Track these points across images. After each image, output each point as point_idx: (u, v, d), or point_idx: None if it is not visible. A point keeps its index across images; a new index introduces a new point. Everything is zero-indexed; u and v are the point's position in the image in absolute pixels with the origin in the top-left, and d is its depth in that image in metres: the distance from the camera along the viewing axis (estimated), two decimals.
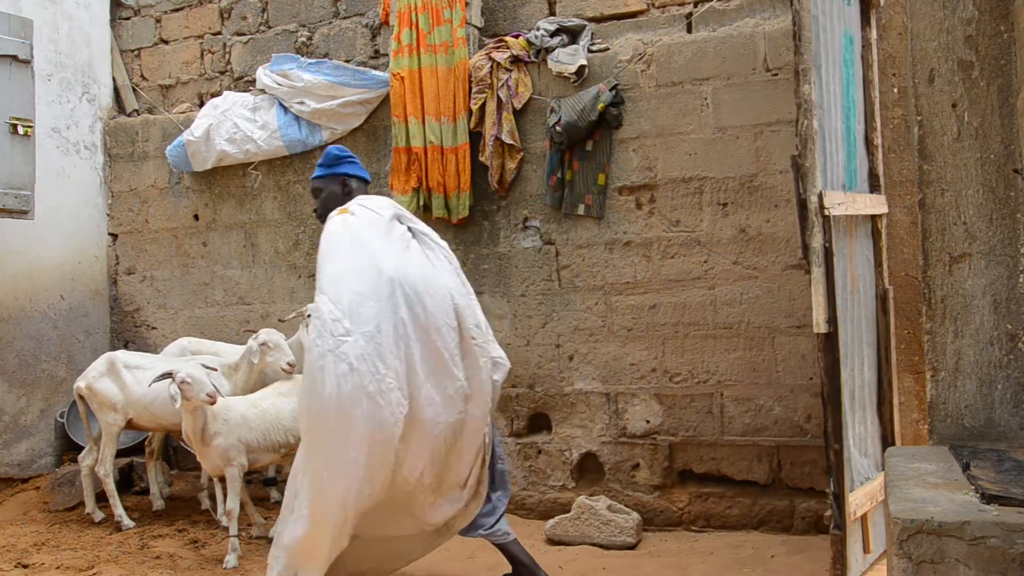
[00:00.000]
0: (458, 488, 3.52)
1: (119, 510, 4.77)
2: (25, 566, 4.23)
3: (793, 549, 4.09)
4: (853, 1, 3.75)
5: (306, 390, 3.24)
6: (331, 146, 3.88)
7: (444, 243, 3.70)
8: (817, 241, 3.15)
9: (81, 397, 4.85)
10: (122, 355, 4.93)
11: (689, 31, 4.74)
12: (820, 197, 3.17)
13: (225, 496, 4.24)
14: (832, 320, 3.16)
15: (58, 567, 4.20)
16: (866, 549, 3.55)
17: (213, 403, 4.02)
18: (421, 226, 3.69)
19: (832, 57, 3.49)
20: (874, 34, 3.92)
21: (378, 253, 3.34)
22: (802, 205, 3.20)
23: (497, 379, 3.60)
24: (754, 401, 4.48)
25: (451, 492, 3.52)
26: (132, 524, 4.76)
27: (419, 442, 3.30)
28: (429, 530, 3.58)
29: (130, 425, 4.85)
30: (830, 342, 3.18)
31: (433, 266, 3.51)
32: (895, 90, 4.32)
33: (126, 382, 4.77)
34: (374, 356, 3.16)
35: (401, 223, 3.58)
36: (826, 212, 3.20)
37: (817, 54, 3.32)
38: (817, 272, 3.13)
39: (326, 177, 3.72)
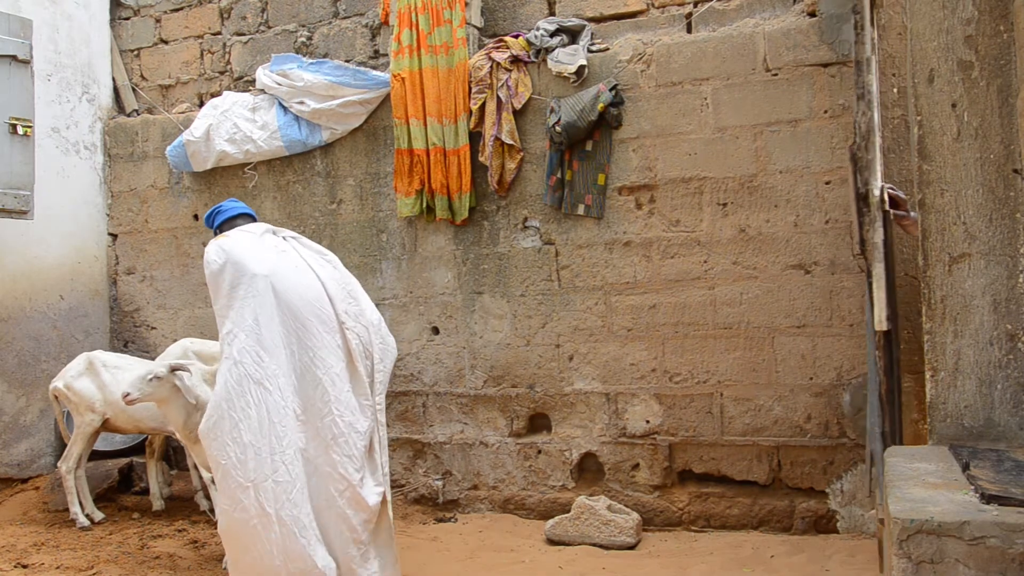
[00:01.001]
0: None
1: (75, 508, 4.78)
2: (25, 566, 4.23)
3: (793, 549, 4.09)
4: None
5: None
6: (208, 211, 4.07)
7: (319, 247, 3.89)
8: (879, 236, 3.09)
9: (56, 398, 4.85)
10: (100, 355, 4.93)
11: (689, 31, 4.74)
12: (883, 191, 3.10)
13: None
14: (892, 317, 3.10)
15: (58, 567, 4.20)
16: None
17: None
18: (294, 235, 3.91)
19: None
20: (875, 34, 3.92)
21: (249, 261, 3.55)
22: (861, 199, 3.15)
23: (380, 364, 3.71)
24: (754, 401, 4.48)
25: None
26: (88, 524, 4.77)
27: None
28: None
29: (107, 426, 4.84)
30: (888, 340, 3.11)
31: (307, 264, 3.69)
32: (895, 90, 4.32)
33: (105, 382, 4.77)
34: (256, 347, 3.41)
35: (275, 235, 3.80)
36: (886, 206, 3.14)
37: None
38: (878, 268, 3.07)
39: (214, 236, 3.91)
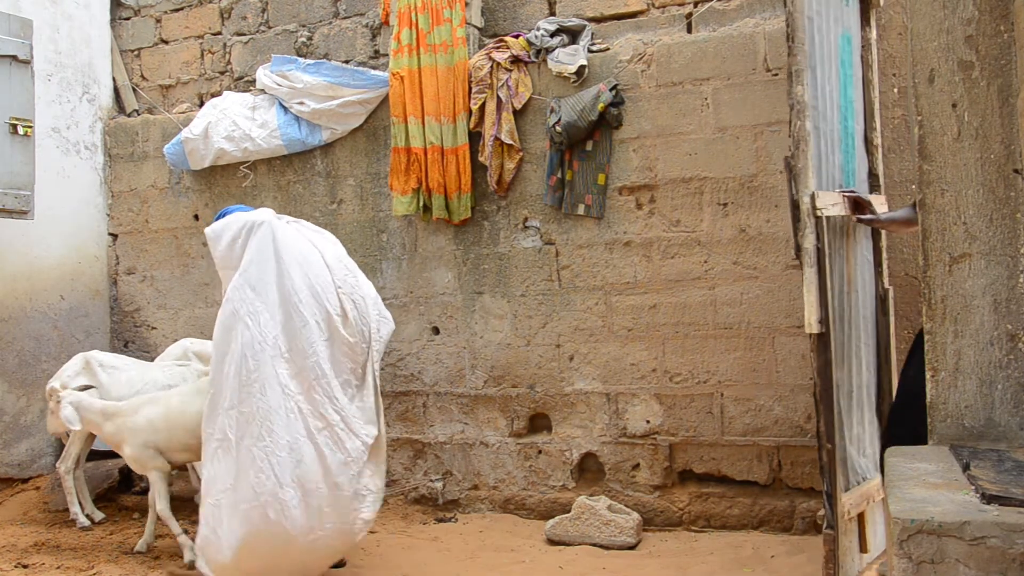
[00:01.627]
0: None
1: (75, 508, 4.78)
2: (25, 566, 4.23)
3: (793, 549, 4.09)
4: (852, 1, 3.75)
5: None
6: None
7: (319, 228, 4.20)
8: (809, 242, 3.17)
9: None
10: (97, 355, 4.93)
11: (689, 31, 4.74)
12: (812, 198, 3.18)
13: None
14: (824, 320, 3.18)
15: (58, 567, 4.20)
16: (863, 548, 3.55)
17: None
18: (295, 220, 4.15)
19: (828, 57, 3.49)
20: (874, 34, 3.92)
21: (250, 215, 3.89)
22: (795, 206, 3.22)
23: (377, 334, 3.98)
24: (754, 401, 4.48)
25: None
26: (88, 523, 4.77)
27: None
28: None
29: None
30: (822, 342, 3.20)
31: (308, 239, 3.96)
32: (895, 90, 4.32)
33: (102, 382, 4.76)
34: (245, 286, 3.70)
35: (279, 219, 4.02)
36: (819, 213, 3.21)
37: (812, 55, 3.33)
38: (809, 273, 3.15)
39: None
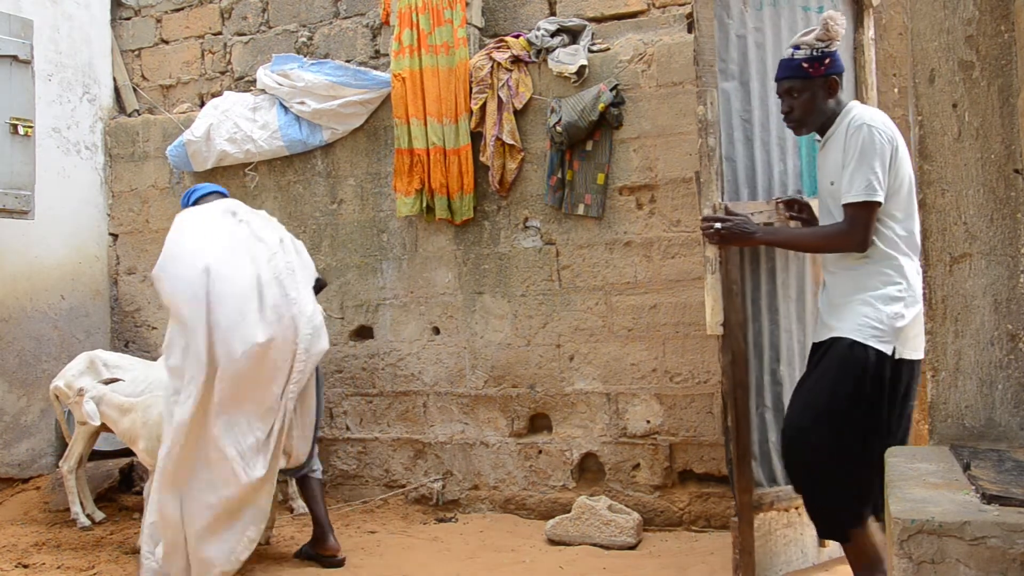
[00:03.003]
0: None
1: (76, 507, 4.79)
2: (26, 566, 4.23)
3: None
4: (821, 7, 3.78)
5: None
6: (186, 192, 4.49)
7: (278, 227, 4.29)
8: (711, 251, 3.37)
9: (57, 397, 4.85)
10: (101, 354, 4.94)
11: (690, 31, 4.73)
12: (715, 208, 3.38)
13: None
14: (727, 323, 3.40)
15: (59, 567, 4.20)
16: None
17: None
18: (255, 214, 4.28)
19: (771, 68, 3.57)
20: (868, 36, 3.93)
21: (188, 260, 3.94)
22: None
23: (309, 348, 4.01)
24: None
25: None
26: (88, 523, 4.78)
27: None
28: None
29: (107, 426, 4.83)
30: (725, 343, 3.44)
31: (247, 250, 4.01)
32: (895, 90, 4.32)
33: None
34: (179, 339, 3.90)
35: (234, 216, 4.13)
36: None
37: (744, 70, 3.59)
38: (711, 279, 3.37)
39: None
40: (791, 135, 3.59)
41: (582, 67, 4.71)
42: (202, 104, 5.93)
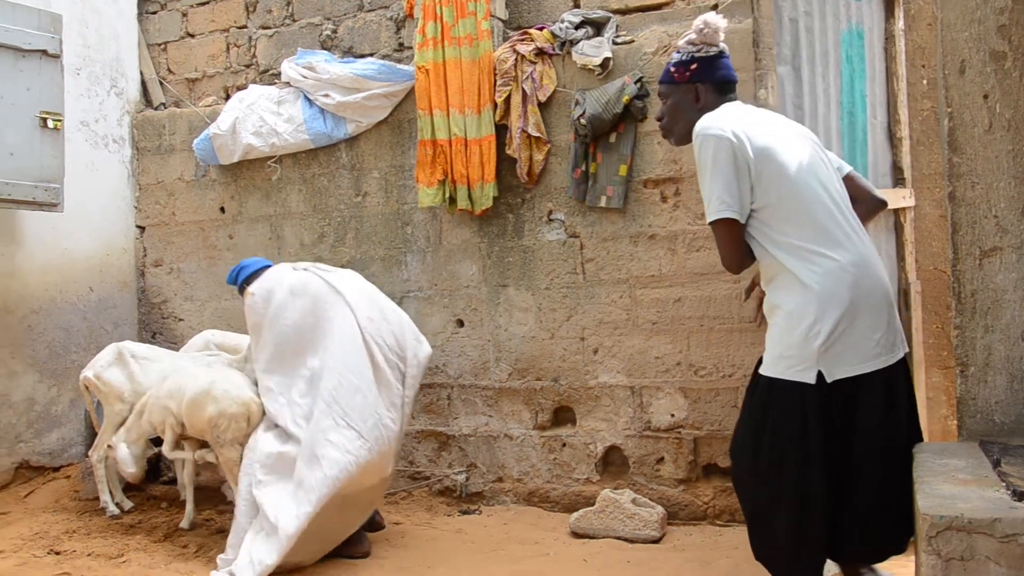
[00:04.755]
0: None
1: (105, 496, 4.85)
2: (58, 553, 4.30)
3: None
4: None
5: None
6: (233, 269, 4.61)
7: (345, 272, 4.54)
8: None
9: (87, 388, 4.92)
10: (129, 345, 4.99)
11: None
12: None
13: None
14: None
15: (89, 554, 4.27)
16: None
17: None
18: (311, 265, 4.51)
19: (824, 55, 3.50)
20: (899, 25, 3.88)
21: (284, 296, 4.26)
22: None
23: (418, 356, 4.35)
24: None
25: None
26: (117, 512, 4.84)
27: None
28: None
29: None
30: None
31: (333, 287, 4.29)
32: (924, 82, 4.27)
33: (134, 372, 4.83)
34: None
35: (295, 271, 4.39)
36: None
37: (796, 55, 3.40)
38: None
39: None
40: (835, 123, 3.52)
41: (606, 59, 4.69)
42: (227, 97, 5.97)
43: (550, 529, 4.56)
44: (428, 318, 5.24)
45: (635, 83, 4.61)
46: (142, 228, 6.22)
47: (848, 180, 2.95)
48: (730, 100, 2.97)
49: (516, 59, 4.87)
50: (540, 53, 4.87)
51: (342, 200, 5.51)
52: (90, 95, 5.95)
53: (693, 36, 3.00)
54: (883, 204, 3.09)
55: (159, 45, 6.37)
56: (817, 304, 2.63)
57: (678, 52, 3.03)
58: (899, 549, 2.82)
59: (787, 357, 2.69)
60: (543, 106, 4.87)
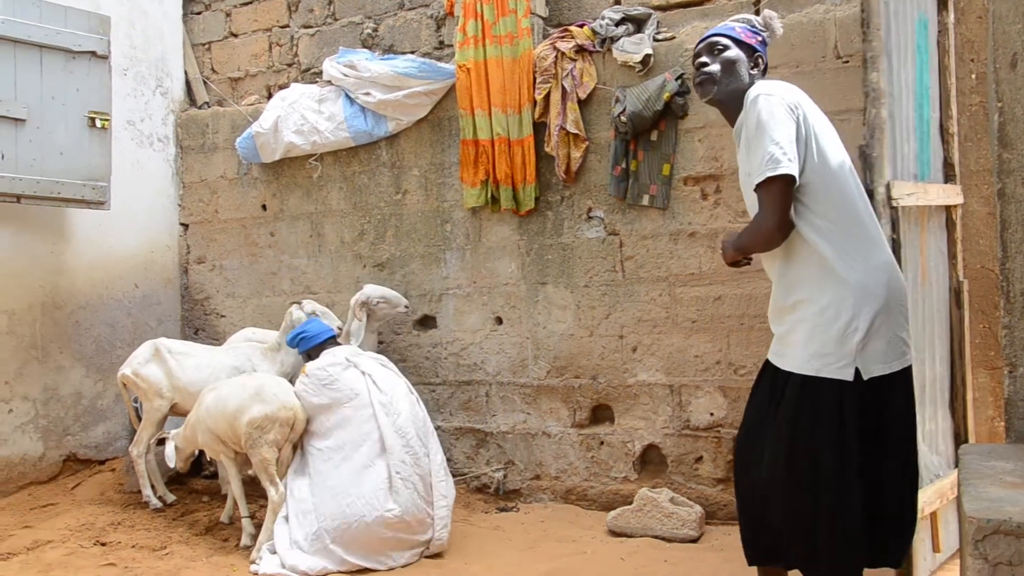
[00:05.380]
0: None
1: (147, 491, 4.93)
2: (103, 544, 4.39)
3: None
4: None
5: None
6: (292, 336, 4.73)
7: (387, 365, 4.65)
8: (885, 232, 3.03)
9: (124, 385, 5.00)
10: (165, 342, 5.07)
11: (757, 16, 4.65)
12: (888, 187, 3.10)
13: None
14: None
15: (133, 546, 4.34)
16: (936, 548, 3.47)
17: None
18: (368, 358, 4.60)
19: (904, 43, 3.40)
20: (951, 18, 3.79)
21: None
22: (869, 195, 3.13)
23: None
24: None
25: None
26: (160, 505, 4.91)
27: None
28: None
29: (175, 411, 4.98)
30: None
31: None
32: (973, 76, 4.19)
33: (171, 368, 4.90)
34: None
35: (356, 368, 4.44)
36: (894, 203, 3.13)
37: (887, 40, 3.25)
38: None
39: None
40: (912, 115, 3.41)
41: (647, 56, 4.66)
42: (269, 96, 6.04)
43: (587, 527, 4.55)
44: (467, 316, 5.25)
45: (676, 80, 4.58)
46: (186, 226, 6.31)
47: None
48: None
49: (556, 56, 4.86)
50: (580, 50, 4.85)
51: (382, 198, 5.54)
52: (136, 95, 6.06)
53: (759, 22, 2.99)
54: None
55: (203, 45, 6.46)
56: (854, 299, 2.59)
57: (743, 22, 2.97)
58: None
59: (824, 355, 2.62)
60: (583, 103, 4.86)
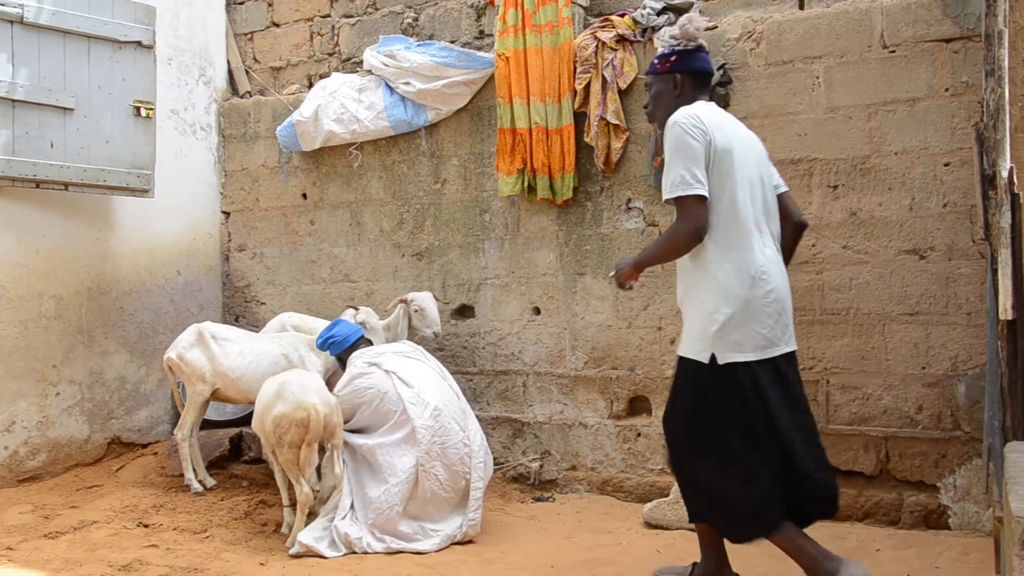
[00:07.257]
0: None
1: (189, 474, 5.00)
2: (146, 526, 4.47)
3: (900, 544, 3.97)
4: None
5: None
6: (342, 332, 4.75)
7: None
8: (1005, 220, 2.92)
9: (171, 368, 5.07)
10: (209, 326, 5.13)
11: (801, 7, 4.60)
12: (1012, 172, 2.94)
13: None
14: (1019, 306, 2.91)
15: (175, 528, 4.42)
16: None
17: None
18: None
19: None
20: (1006, 5, 3.70)
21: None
22: (986, 181, 3.01)
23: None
24: (862, 390, 4.35)
25: None
26: (201, 489, 4.98)
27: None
28: None
29: (216, 395, 5.05)
30: (1012, 330, 2.95)
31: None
32: None
33: (214, 353, 4.96)
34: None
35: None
36: (1016, 189, 2.96)
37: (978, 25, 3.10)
38: (1004, 254, 2.92)
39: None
40: None
41: None
42: (310, 85, 6.08)
43: (623, 519, 4.55)
44: (505, 305, 5.26)
45: (718, 69, 4.54)
46: (227, 213, 6.39)
47: (781, 198, 3.33)
48: (703, 97, 3.27)
49: (597, 46, 4.84)
50: (621, 40, 4.83)
51: (421, 187, 5.56)
52: (180, 84, 6.13)
53: (676, 32, 3.27)
54: (804, 226, 3.44)
55: (245, 35, 6.52)
56: (718, 296, 3.06)
57: (661, 47, 3.25)
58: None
59: (692, 340, 3.16)
60: (623, 93, 4.84)
